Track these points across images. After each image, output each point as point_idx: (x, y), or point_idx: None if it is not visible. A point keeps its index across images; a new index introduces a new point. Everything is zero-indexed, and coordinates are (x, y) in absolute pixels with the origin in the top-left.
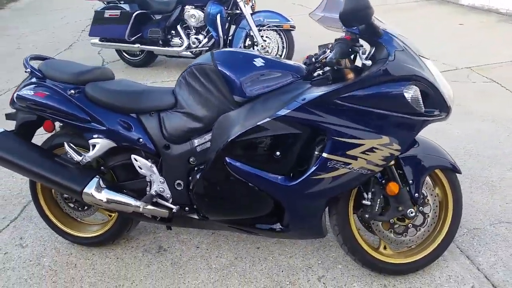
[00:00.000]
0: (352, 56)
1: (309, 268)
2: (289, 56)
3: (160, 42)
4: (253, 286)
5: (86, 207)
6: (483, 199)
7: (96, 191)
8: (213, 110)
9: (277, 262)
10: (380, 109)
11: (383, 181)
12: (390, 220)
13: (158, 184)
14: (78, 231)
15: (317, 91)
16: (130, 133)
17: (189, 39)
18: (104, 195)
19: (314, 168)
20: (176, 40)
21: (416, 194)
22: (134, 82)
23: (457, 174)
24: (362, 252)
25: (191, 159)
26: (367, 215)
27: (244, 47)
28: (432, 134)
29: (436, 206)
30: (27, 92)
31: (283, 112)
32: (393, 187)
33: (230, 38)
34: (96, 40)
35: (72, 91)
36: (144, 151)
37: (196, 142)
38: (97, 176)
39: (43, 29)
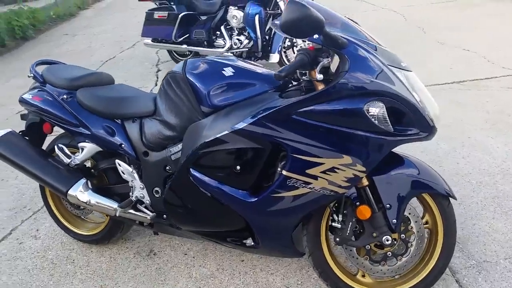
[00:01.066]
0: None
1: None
2: None
3: (205, 43)
4: None
5: (81, 206)
6: (505, 227)
7: (80, 193)
8: (184, 119)
9: (256, 277)
10: (341, 126)
11: (357, 203)
12: (366, 247)
13: (138, 190)
14: (78, 229)
15: (278, 104)
16: (113, 138)
17: (231, 40)
18: (87, 197)
19: (274, 185)
20: (219, 41)
21: (394, 220)
22: (129, 87)
23: (454, 200)
24: (334, 278)
25: (167, 167)
26: (338, 239)
27: (284, 48)
28: (467, 147)
29: (422, 235)
30: (27, 96)
31: (241, 125)
32: (364, 211)
33: (270, 38)
34: (148, 40)
35: (65, 96)
36: (127, 157)
37: (171, 150)
38: (84, 178)
39: (115, 28)
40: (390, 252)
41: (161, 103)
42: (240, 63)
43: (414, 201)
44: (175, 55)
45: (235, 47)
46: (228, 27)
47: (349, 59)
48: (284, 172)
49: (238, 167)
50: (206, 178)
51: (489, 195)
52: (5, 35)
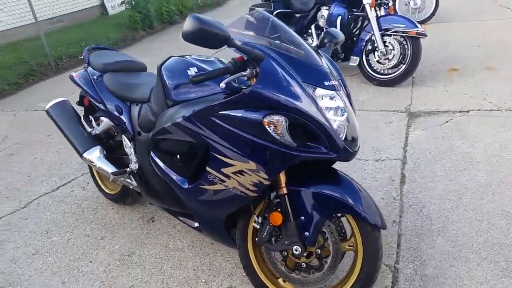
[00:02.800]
0: None
1: (230, 276)
2: (412, 64)
3: None
4: (169, 274)
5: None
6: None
7: (92, 156)
8: (159, 108)
9: (213, 260)
10: (247, 133)
11: (274, 208)
12: (283, 253)
13: (133, 163)
14: (106, 188)
15: (207, 105)
16: (120, 116)
17: (318, 39)
18: (96, 161)
19: (201, 178)
20: (309, 40)
21: (307, 233)
22: (152, 75)
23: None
24: (254, 275)
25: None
26: (256, 238)
27: (365, 51)
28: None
29: (337, 254)
30: (74, 74)
31: (179, 119)
32: (275, 217)
33: (354, 41)
34: None
35: (95, 77)
36: (128, 134)
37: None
38: (99, 146)
39: None
40: (304, 264)
41: (152, 92)
42: (206, 65)
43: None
44: None
45: None
46: (317, 26)
47: (260, 72)
48: (207, 168)
49: (178, 156)
50: (159, 161)
51: None
52: (154, 19)
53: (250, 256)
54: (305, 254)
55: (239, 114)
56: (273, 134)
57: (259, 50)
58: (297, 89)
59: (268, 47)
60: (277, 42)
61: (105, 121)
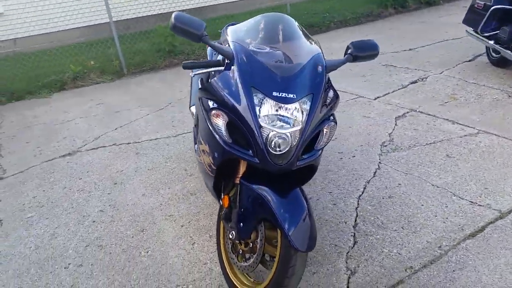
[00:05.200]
0: None
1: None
2: None
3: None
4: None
5: None
6: None
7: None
8: None
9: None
10: (206, 118)
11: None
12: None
13: None
14: None
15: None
16: None
17: None
18: None
19: (195, 149)
20: None
21: (241, 224)
22: None
23: None
24: (220, 253)
25: None
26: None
27: None
28: None
29: (259, 254)
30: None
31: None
32: (224, 200)
33: None
34: (470, 29)
35: None
36: None
37: None
38: None
39: None
40: (241, 250)
41: None
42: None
43: None
44: (491, 52)
45: None
46: None
47: (224, 68)
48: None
49: None
50: None
51: None
52: None
53: (220, 232)
54: (242, 242)
55: (205, 100)
56: (215, 125)
57: (232, 50)
58: (240, 92)
59: (244, 49)
60: (263, 47)
61: None
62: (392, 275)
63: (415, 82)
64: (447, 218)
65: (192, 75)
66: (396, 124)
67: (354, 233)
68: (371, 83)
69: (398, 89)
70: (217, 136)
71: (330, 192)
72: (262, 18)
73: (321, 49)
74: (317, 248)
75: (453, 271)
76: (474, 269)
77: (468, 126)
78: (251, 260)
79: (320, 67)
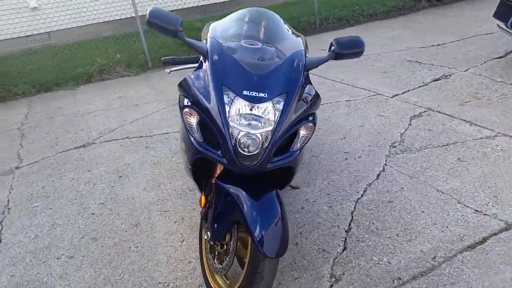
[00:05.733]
0: None
1: None
2: None
3: None
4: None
5: None
6: None
7: None
8: None
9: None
10: (181, 116)
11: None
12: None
13: None
14: None
15: None
16: None
17: None
18: None
19: None
20: None
21: (216, 225)
22: None
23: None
24: (200, 253)
25: None
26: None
27: None
28: None
29: (232, 256)
30: None
31: None
32: (201, 199)
33: None
34: (501, 23)
35: None
36: None
37: None
38: None
39: None
40: (217, 251)
41: None
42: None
43: None
44: None
45: None
46: None
47: (198, 64)
48: None
49: None
50: None
51: None
52: None
53: (202, 232)
54: (218, 243)
55: (181, 97)
56: (187, 124)
57: (207, 46)
58: (211, 92)
59: (219, 45)
60: (242, 43)
61: None
62: (377, 285)
63: (437, 79)
64: (446, 227)
65: (168, 71)
66: (410, 124)
67: (346, 238)
68: (392, 79)
69: (419, 87)
70: (188, 134)
71: (328, 194)
72: (244, 14)
73: (306, 46)
74: (303, 252)
75: (444, 285)
76: (467, 285)
77: (486, 128)
78: (224, 262)
79: (298, 65)
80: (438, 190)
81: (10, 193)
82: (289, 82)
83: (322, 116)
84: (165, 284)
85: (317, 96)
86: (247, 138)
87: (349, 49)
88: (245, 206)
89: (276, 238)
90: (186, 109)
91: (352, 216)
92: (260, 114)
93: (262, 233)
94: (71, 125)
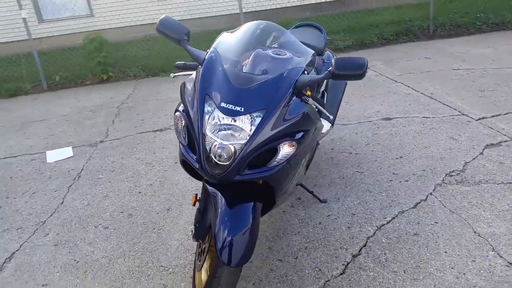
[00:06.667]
0: None
1: None
2: None
3: None
4: None
5: None
6: None
7: None
8: None
9: None
10: None
11: None
12: None
13: None
14: None
15: None
16: None
17: None
18: None
19: None
20: None
21: (197, 225)
22: None
23: None
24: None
25: None
26: None
27: None
28: None
29: (203, 260)
30: None
31: None
32: (193, 197)
33: None
34: None
35: None
36: None
37: None
38: None
39: None
40: (200, 249)
41: None
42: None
43: None
44: None
45: None
46: None
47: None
48: None
49: None
50: None
51: None
52: None
53: None
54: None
55: (179, 102)
56: (176, 126)
57: (205, 55)
58: (197, 98)
59: (216, 55)
60: (241, 56)
61: None
62: None
63: None
64: (464, 274)
65: (172, 76)
66: (481, 153)
67: (348, 263)
68: (486, 100)
69: None
70: (177, 137)
71: (353, 214)
72: (254, 27)
73: (313, 63)
74: (299, 268)
75: None
76: None
77: None
78: (201, 261)
79: (287, 82)
80: (475, 232)
81: (86, 162)
82: (271, 98)
83: (387, 130)
84: (166, 268)
85: (307, 116)
86: (218, 148)
87: (347, 70)
88: (219, 210)
89: (239, 247)
90: (177, 113)
91: (366, 241)
92: (237, 126)
93: (227, 239)
94: (160, 110)
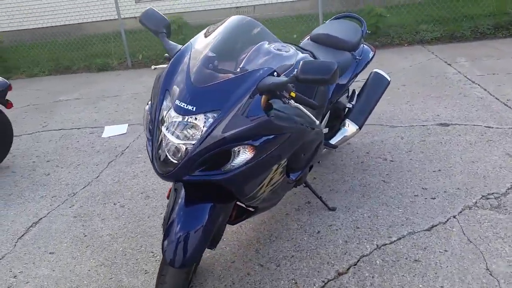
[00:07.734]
0: None
1: None
2: None
3: None
4: None
5: None
6: None
7: None
8: None
9: None
10: None
11: None
12: None
13: None
14: None
15: None
16: None
17: None
18: None
19: None
20: None
21: (165, 217)
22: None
23: None
24: None
25: None
26: None
27: None
28: None
29: None
30: None
31: None
32: (169, 189)
33: None
34: None
35: None
36: None
37: None
38: None
39: None
40: None
41: None
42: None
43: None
44: None
45: None
46: None
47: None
48: None
49: None
50: None
51: None
52: None
53: None
54: None
55: None
56: (143, 118)
57: (178, 49)
58: (160, 94)
59: (187, 50)
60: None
61: None
62: None
63: None
64: None
65: (153, 68)
66: None
67: (328, 281)
68: None
69: None
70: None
71: (357, 228)
72: (235, 22)
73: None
74: (276, 276)
75: None
76: None
77: None
78: None
79: (248, 84)
80: (487, 269)
81: (133, 141)
82: (227, 99)
83: (437, 138)
84: (155, 254)
85: (269, 122)
86: (167, 146)
87: (312, 75)
88: (177, 204)
89: (186, 248)
90: (146, 107)
91: (358, 260)
92: (190, 125)
93: (176, 235)
94: None
